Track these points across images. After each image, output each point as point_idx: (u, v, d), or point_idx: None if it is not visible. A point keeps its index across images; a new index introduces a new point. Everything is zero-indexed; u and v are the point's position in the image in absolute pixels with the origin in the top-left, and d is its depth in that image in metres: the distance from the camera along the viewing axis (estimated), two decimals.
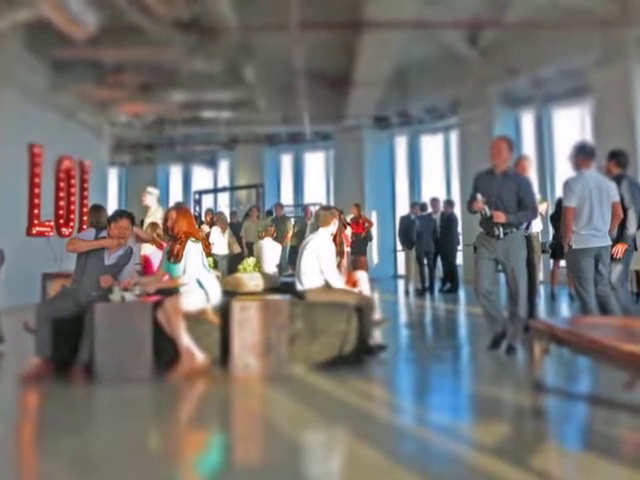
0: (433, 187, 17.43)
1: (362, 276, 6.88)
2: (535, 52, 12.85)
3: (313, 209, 14.01)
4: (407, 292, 13.11)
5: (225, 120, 17.90)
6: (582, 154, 6.26)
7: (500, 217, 6.03)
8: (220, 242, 11.66)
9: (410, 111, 17.49)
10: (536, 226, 7.32)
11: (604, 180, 6.26)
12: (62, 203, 12.78)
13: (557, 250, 10.16)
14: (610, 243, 6.19)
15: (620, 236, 6.31)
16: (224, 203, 20.46)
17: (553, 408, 4.28)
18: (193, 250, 5.67)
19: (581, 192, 6.07)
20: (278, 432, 4.03)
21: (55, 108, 12.65)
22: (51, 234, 12.12)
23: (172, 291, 5.62)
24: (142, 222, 9.36)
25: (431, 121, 17.74)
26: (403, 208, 16.78)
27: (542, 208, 8.02)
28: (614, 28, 11.20)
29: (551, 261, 11.19)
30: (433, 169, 18.26)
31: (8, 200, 10.77)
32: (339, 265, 6.78)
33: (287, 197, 20.53)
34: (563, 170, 11.39)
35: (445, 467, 3.31)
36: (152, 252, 8.01)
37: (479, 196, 6.12)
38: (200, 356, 5.41)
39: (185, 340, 5.38)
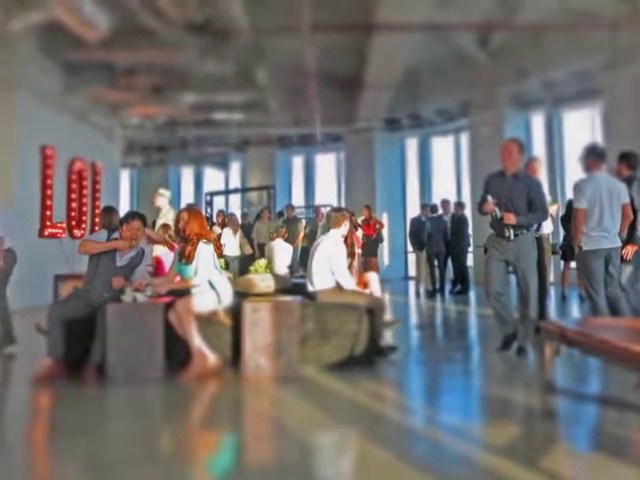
0: (444, 189, 17.41)
1: (373, 277, 6.88)
2: (545, 54, 12.84)
3: (324, 210, 14.03)
4: (418, 293, 13.11)
5: (237, 122, 17.95)
6: (592, 156, 6.25)
7: (511, 219, 6.02)
8: (231, 243, 11.68)
9: (421, 113, 17.50)
10: (547, 228, 7.32)
11: (614, 182, 6.25)
12: (74, 205, 12.85)
13: (567, 251, 10.14)
14: (620, 245, 6.17)
15: (630, 237, 6.29)
16: (235, 204, 20.54)
17: (563, 409, 4.28)
18: (204, 251, 5.69)
19: (591, 194, 6.07)
20: (289, 433, 4.04)
21: (67, 110, 12.72)
22: (63, 236, 12.18)
23: (184, 292, 5.64)
24: (154, 223, 9.40)
25: (442, 123, 17.72)
26: (414, 210, 16.77)
27: (552, 210, 8.02)
28: (624, 31, 11.16)
29: (561, 262, 11.17)
30: (444, 171, 18.24)
31: (21, 201, 10.78)
32: (350, 266, 6.80)
33: (298, 199, 20.54)
34: (573, 172, 11.34)
35: (456, 468, 3.32)
36: (164, 253, 8.06)
37: (490, 198, 6.12)
38: (211, 357, 5.43)
39: (197, 341, 5.41)
